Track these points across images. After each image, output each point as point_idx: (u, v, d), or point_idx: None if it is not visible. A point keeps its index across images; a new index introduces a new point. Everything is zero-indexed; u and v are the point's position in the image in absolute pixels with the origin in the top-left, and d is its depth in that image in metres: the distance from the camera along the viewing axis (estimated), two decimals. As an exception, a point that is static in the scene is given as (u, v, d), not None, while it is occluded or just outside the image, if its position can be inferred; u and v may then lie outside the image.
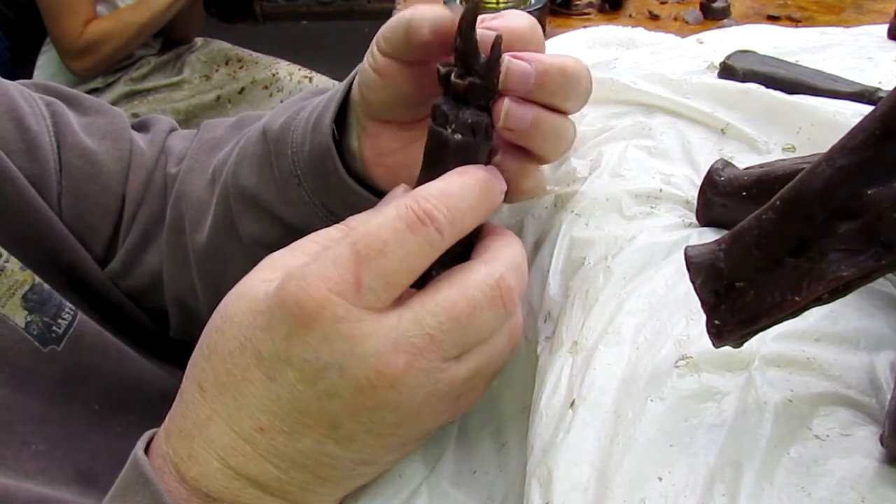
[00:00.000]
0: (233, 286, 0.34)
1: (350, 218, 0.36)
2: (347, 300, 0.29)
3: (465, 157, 0.34)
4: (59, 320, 0.47)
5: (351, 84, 0.44)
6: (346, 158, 0.44)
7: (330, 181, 0.44)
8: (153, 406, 0.50)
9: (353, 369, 0.30)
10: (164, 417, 0.35)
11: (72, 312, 0.48)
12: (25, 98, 0.51)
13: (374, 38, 0.40)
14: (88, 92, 1.58)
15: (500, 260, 0.32)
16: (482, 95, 0.34)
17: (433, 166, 0.34)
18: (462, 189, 0.32)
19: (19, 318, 0.45)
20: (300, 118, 0.46)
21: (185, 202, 0.53)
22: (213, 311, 0.33)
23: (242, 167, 0.49)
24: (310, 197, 0.45)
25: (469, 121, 0.33)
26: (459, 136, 0.33)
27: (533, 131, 0.35)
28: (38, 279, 0.47)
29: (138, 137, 0.56)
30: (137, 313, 0.56)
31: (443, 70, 0.34)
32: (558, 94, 0.35)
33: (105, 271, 0.54)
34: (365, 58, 0.41)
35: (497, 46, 0.33)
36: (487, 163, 0.35)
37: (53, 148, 0.51)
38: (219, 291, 0.34)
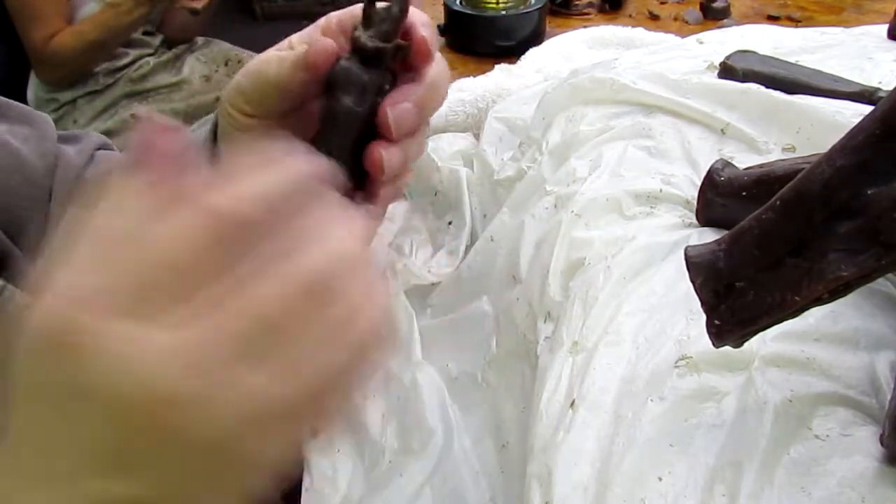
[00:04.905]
0: None
1: None
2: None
3: (357, 123, 0.33)
4: None
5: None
6: None
7: None
8: None
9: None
10: None
11: None
12: None
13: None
14: (89, 93, 1.58)
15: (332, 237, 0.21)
16: (388, 56, 0.33)
17: (329, 132, 0.33)
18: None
19: None
20: None
21: None
22: None
23: None
24: None
25: (375, 84, 0.32)
26: (360, 107, 0.32)
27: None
28: None
29: (65, 146, 0.57)
30: None
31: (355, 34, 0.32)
32: (433, 106, 0.34)
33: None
34: None
35: (397, 3, 0.32)
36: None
37: None
38: None
